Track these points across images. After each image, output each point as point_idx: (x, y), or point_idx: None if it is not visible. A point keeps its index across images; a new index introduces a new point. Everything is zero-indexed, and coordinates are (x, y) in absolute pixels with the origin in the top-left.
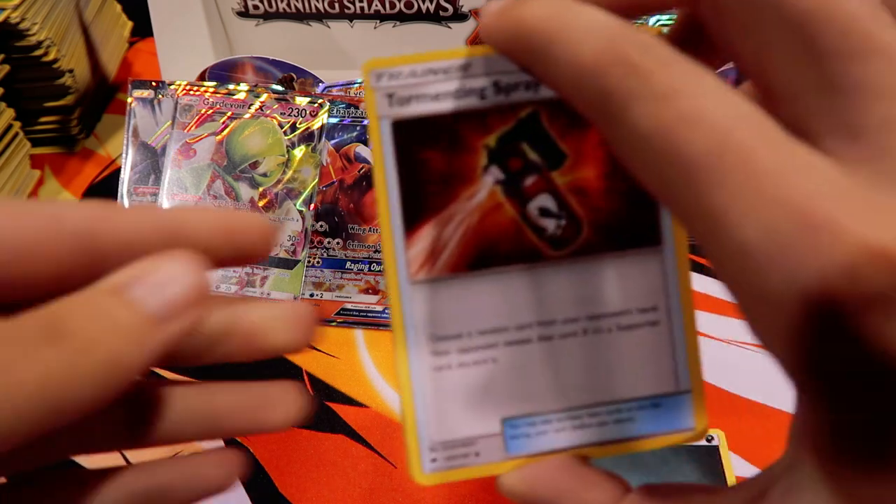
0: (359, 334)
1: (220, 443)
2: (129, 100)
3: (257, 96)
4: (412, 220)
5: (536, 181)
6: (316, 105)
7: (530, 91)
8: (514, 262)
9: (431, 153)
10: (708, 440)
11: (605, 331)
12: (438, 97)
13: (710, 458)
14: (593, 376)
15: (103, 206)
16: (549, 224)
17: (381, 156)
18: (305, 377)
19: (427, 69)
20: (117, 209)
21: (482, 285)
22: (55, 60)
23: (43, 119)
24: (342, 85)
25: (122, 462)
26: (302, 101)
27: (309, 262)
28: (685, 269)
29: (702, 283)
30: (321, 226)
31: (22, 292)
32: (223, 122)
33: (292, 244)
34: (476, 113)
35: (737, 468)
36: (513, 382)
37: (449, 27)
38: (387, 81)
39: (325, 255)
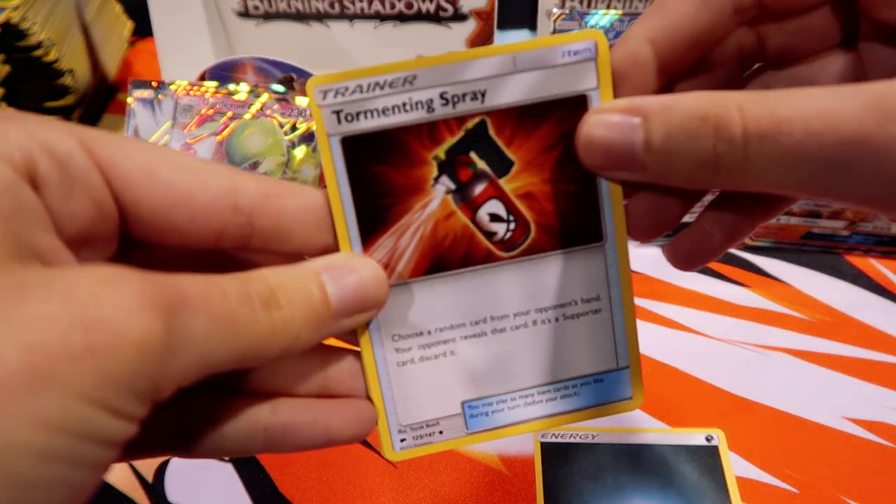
0: None
1: (360, 388)
2: (129, 100)
3: (258, 96)
4: (368, 233)
5: (485, 189)
6: None
7: (477, 101)
8: (468, 265)
9: (383, 168)
10: (707, 440)
11: (552, 321)
12: (386, 111)
13: (710, 458)
14: (543, 360)
15: (276, 185)
16: (500, 229)
17: (332, 172)
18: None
19: (373, 83)
20: (287, 191)
21: (439, 287)
22: (55, 60)
23: None
24: None
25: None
26: (302, 101)
27: None
28: (625, 261)
29: (701, 284)
30: None
31: (178, 242)
32: (223, 123)
33: None
34: (424, 126)
35: (737, 468)
36: (470, 370)
37: (449, 27)
38: (333, 98)
39: None
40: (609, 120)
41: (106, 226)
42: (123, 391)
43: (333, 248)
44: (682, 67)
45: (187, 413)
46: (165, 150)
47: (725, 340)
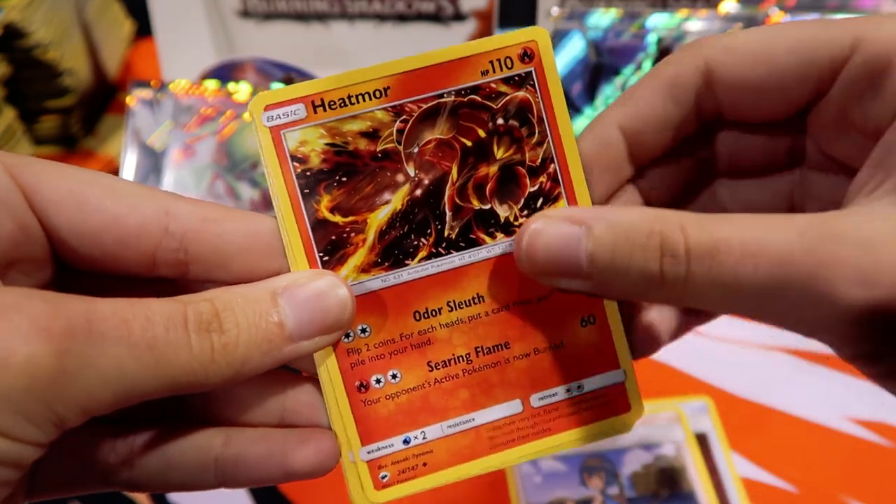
0: None
1: (321, 419)
2: (129, 100)
3: None
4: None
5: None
6: None
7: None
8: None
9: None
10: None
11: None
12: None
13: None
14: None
15: (216, 210)
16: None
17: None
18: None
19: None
20: (228, 216)
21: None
22: (55, 60)
23: (43, 118)
24: None
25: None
26: None
27: None
28: None
29: None
30: None
31: (111, 268)
32: (223, 123)
33: None
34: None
35: (738, 468)
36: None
37: (449, 27)
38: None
39: None
40: (552, 228)
41: (32, 249)
42: (10, 414)
43: (286, 272)
44: (648, 156)
45: (130, 442)
46: (99, 175)
47: (726, 340)
